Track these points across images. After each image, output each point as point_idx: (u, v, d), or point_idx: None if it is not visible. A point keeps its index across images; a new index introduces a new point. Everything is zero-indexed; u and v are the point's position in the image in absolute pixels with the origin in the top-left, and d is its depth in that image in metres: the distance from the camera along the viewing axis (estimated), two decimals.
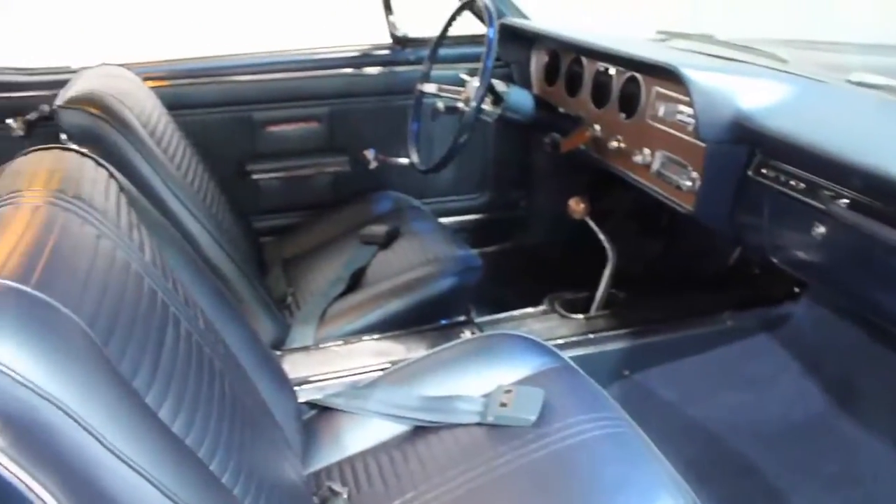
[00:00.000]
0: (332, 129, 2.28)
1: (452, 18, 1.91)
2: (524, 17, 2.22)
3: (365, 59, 2.27)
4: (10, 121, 1.96)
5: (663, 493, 1.09)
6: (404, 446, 1.23)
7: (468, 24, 2.02)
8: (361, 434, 1.29)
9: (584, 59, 1.94)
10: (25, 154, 1.00)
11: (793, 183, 1.28)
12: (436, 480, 1.14)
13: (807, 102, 1.43)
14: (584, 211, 1.91)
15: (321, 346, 1.68)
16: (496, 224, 2.53)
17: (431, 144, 2.16)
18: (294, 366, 1.58)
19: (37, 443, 0.63)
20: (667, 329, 1.95)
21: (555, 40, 2.04)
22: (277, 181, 2.29)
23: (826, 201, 1.20)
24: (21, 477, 0.61)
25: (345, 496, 1.14)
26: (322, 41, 2.32)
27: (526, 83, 2.22)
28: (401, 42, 2.30)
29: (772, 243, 1.42)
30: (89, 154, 1.05)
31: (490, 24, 1.68)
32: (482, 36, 1.70)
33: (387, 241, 1.96)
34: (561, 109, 1.96)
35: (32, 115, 1.97)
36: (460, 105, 1.77)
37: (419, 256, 1.86)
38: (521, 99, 1.82)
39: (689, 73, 1.42)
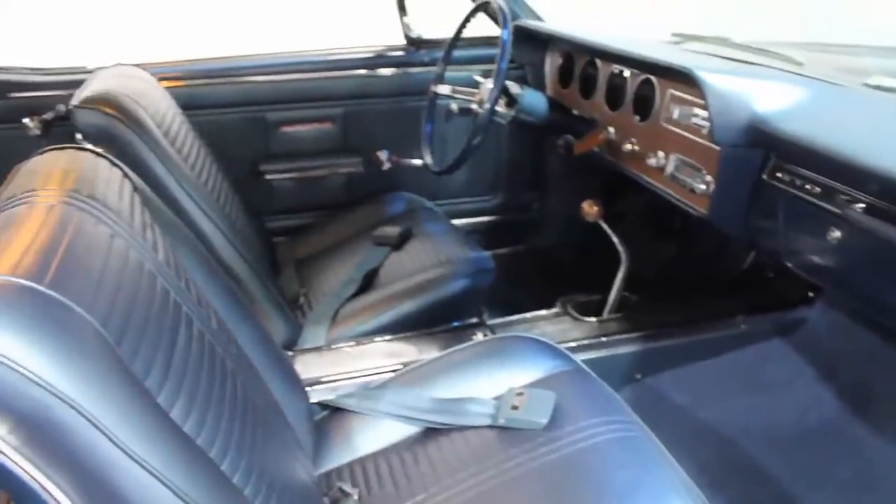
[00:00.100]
0: (345, 129, 2.28)
1: (467, 20, 1.90)
2: (538, 18, 2.21)
3: (379, 60, 2.28)
4: (26, 120, 1.98)
5: (675, 498, 1.09)
6: (415, 448, 1.23)
7: (482, 26, 2.01)
8: (372, 435, 1.29)
9: (598, 62, 1.93)
10: (41, 153, 1.01)
11: (808, 187, 1.27)
12: (446, 482, 1.14)
13: (823, 106, 1.42)
14: (598, 213, 1.90)
15: (333, 346, 1.69)
16: (509, 226, 2.53)
17: (445, 146, 2.17)
18: (306, 366, 1.59)
19: (50, 441, 0.63)
20: (680, 333, 1.94)
21: (569, 42, 2.03)
22: (291, 182, 2.29)
23: (842, 206, 1.19)
24: (34, 475, 0.62)
25: (355, 497, 1.15)
26: (337, 42, 2.33)
27: (540, 85, 2.21)
28: (415, 43, 2.30)
29: (786, 247, 1.41)
30: (104, 154, 1.05)
31: (504, 25, 1.67)
32: (496, 38, 1.70)
33: (400, 243, 1.96)
34: (575, 112, 1.96)
35: (49, 115, 1.99)
36: (474, 107, 1.77)
37: (432, 258, 1.86)
38: (534, 101, 1.81)
39: (704, 75, 1.41)
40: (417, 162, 2.04)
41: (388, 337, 1.72)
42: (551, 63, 2.21)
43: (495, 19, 2.02)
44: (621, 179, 1.86)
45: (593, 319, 1.98)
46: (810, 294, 2.01)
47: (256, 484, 0.88)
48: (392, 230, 1.98)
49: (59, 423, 0.64)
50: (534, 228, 2.55)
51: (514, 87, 1.76)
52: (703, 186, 1.48)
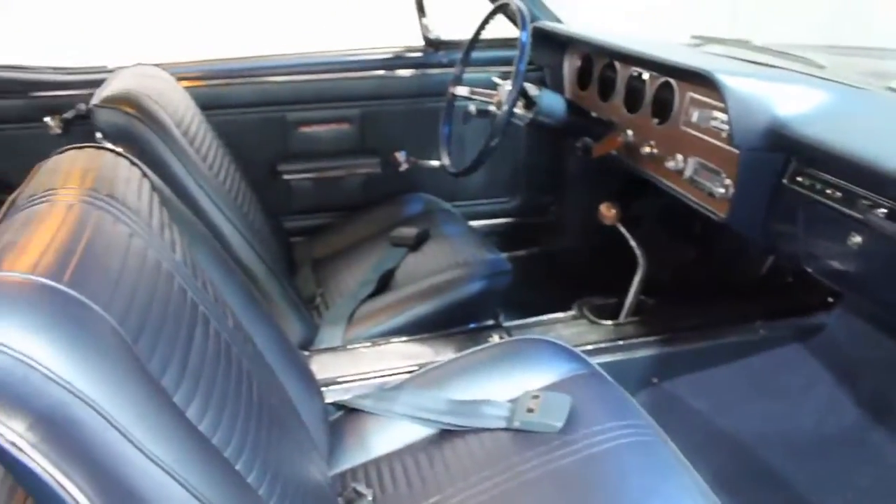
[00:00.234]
0: (363, 130, 2.29)
1: (485, 21, 1.90)
2: (557, 20, 2.21)
3: (397, 61, 2.28)
4: (47, 119, 2.00)
5: None
6: (430, 449, 1.23)
7: (501, 28, 2.01)
8: (387, 436, 1.29)
9: (617, 64, 1.92)
10: (61, 152, 1.01)
11: (829, 191, 1.26)
12: (461, 485, 1.13)
13: (845, 110, 1.41)
14: (616, 216, 1.89)
15: (349, 347, 1.69)
16: (526, 228, 2.53)
17: (463, 147, 2.16)
18: (322, 366, 1.59)
19: (67, 439, 0.64)
20: (697, 337, 1.93)
21: (588, 44, 2.03)
22: (308, 182, 2.30)
23: (863, 210, 1.18)
24: (51, 471, 0.62)
25: (369, 498, 1.15)
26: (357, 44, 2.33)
27: (558, 87, 2.21)
28: (433, 44, 2.30)
29: (806, 252, 1.40)
30: (123, 153, 1.06)
31: (523, 27, 1.67)
32: (515, 39, 1.69)
33: (416, 244, 1.96)
34: (593, 114, 1.95)
35: (69, 114, 2.01)
36: (492, 108, 1.77)
37: (449, 259, 1.86)
38: (553, 103, 1.81)
39: (724, 78, 1.40)
40: (435, 163, 2.04)
41: (404, 338, 1.72)
42: (570, 65, 2.20)
43: (514, 21, 2.02)
44: (639, 182, 1.85)
45: (610, 323, 1.97)
46: (830, 299, 2.00)
47: (271, 484, 0.88)
48: (409, 231, 1.98)
49: (76, 421, 0.64)
50: (551, 231, 2.54)
51: (532, 89, 1.76)
52: (722, 190, 1.47)
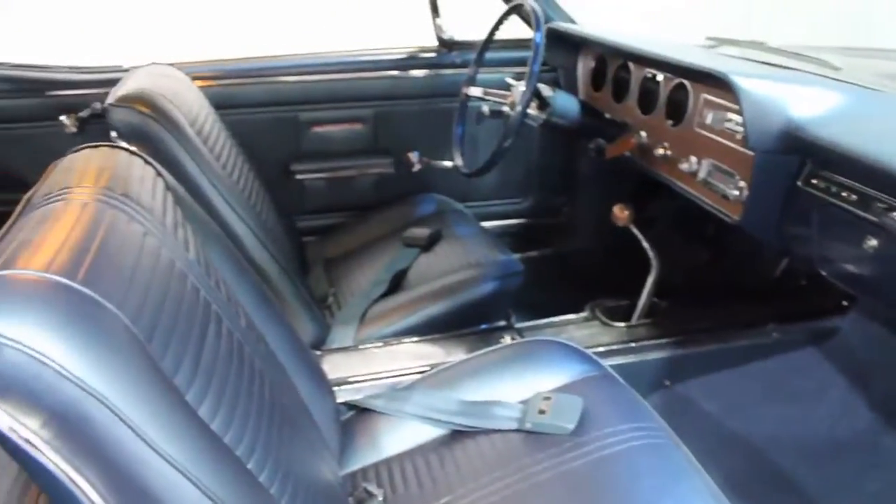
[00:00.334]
0: (376, 130, 2.29)
1: (499, 22, 1.90)
2: (571, 21, 2.20)
3: (410, 61, 2.28)
4: (63, 118, 2.02)
5: None
6: (441, 450, 1.23)
7: (515, 28, 2.01)
8: (399, 436, 1.29)
9: (631, 65, 1.92)
10: (76, 151, 1.02)
11: (844, 194, 1.25)
12: (471, 485, 1.13)
13: (861, 112, 1.40)
14: (629, 218, 1.89)
15: (361, 347, 1.69)
16: (539, 229, 2.52)
17: (476, 148, 2.16)
18: (333, 366, 1.59)
19: (80, 436, 0.64)
20: (710, 340, 1.92)
21: (602, 45, 2.02)
22: (321, 182, 2.30)
23: (879, 213, 1.17)
24: (64, 469, 0.63)
25: (380, 498, 1.15)
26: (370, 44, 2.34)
27: (572, 88, 2.20)
28: (447, 45, 2.30)
29: (821, 255, 1.39)
30: (138, 152, 1.06)
31: (537, 28, 1.67)
32: (529, 40, 1.69)
33: (429, 244, 1.96)
34: (607, 115, 1.94)
35: (85, 113, 2.02)
36: (505, 109, 1.77)
37: (461, 260, 1.86)
38: (566, 104, 1.80)
39: (739, 80, 1.40)
40: (448, 164, 2.04)
41: (415, 338, 1.73)
42: (584, 66, 2.20)
43: (528, 22, 2.02)
44: (652, 184, 1.85)
45: (622, 325, 1.97)
46: (844, 303, 1.98)
47: (282, 483, 0.89)
48: (421, 232, 1.98)
49: (89, 418, 0.64)
50: (563, 232, 2.54)
51: (546, 90, 1.75)
52: (736, 192, 1.47)
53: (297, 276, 1.77)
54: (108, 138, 1.42)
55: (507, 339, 1.74)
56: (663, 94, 1.76)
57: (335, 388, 1.40)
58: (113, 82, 1.66)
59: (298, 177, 2.27)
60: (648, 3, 4.52)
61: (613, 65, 2.02)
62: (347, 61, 2.26)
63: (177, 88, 1.66)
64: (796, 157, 1.37)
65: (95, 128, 2.00)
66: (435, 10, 2.28)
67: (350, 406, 1.40)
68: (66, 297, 0.67)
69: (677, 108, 1.69)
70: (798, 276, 2.11)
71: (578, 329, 1.97)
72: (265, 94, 2.18)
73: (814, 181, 1.33)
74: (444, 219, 2.10)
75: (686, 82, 1.67)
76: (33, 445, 0.62)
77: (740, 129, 1.44)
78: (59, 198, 0.84)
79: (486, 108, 1.83)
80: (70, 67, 2.09)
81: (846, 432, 1.79)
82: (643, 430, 1.19)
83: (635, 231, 1.93)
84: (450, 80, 2.23)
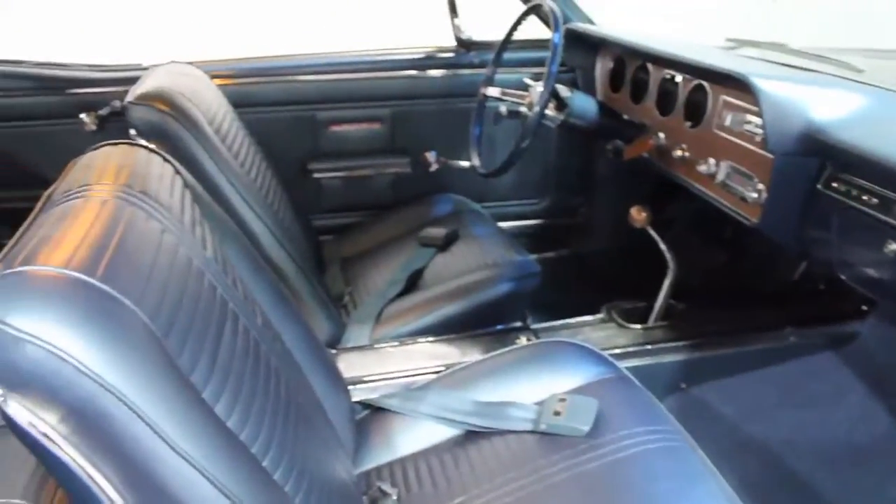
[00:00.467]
0: (393, 130, 2.29)
1: (518, 22, 1.89)
2: (590, 22, 2.20)
3: (428, 61, 2.28)
4: (83, 115, 2.03)
5: None
6: (455, 450, 1.23)
7: (533, 29, 2.00)
8: (413, 436, 1.29)
9: (649, 66, 1.91)
10: (95, 148, 1.03)
11: (865, 198, 1.24)
12: (486, 486, 1.13)
13: (883, 114, 1.38)
14: (646, 220, 1.88)
15: (376, 346, 1.69)
16: (556, 230, 2.52)
17: (493, 148, 2.16)
18: (349, 365, 1.59)
19: (97, 432, 0.65)
20: (727, 343, 1.91)
21: (621, 46, 2.01)
22: (338, 181, 2.31)
23: None
24: (81, 464, 0.63)
25: (394, 497, 1.15)
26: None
27: (590, 89, 2.20)
28: (465, 45, 2.30)
29: (840, 259, 1.38)
30: (157, 150, 1.07)
31: (556, 28, 1.66)
32: (547, 40, 1.69)
33: (445, 244, 1.96)
34: (625, 116, 1.94)
35: (104, 111, 2.04)
36: (523, 109, 1.76)
37: (477, 260, 1.86)
38: (584, 105, 1.80)
39: (758, 82, 1.39)
40: (465, 164, 2.04)
41: (431, 338, 1.73)
42: (602, 67, 2.19)
43: (547, 22, 2.01)
44: (670, 186, 1.84)
45: (638, 327, 1.96)
46: (863, 307, 1.96)
47: (297, 481, 0.89)
48: (438, 231, 1.98)
49: (107, 415, 0.65)
50: (580, 233, 2.53)
51: (564, 91, 1.75)
52: (754, 195, 1.46)
53: (314, 275, 1.77)
54: (128, 136, 1.43)
55: (522, 340, 1.73)
56: (682, 95, 1.75)
57: (350, 387, 1.40)
58: (132, 80, 1.67)
59: (316, 176, 2.28)
60: (672, 5, 4.51)
61: (632, 66, 2.01)
62: (365, 61, 2.26)
63: (196, 87, 1.67)
64: (816, 160, 1.36)
65: (115, 126, 2.02)
66: (453, 10, 2.28)
67: (365, 405, 1.40)
68: (85, 294, 0.68)
69: (696, 110, 1.68)
70: (816, 279, 2.09)
71: (594, 331, 1.96)
72: (283, 93, 2.19)
73: (834, 184, 1.32)
74: (461, 219, 2.10)
75: (705, 83, 1.66)
76: (51, 440, 0.62)
77: (760, 131, 1.43)
78: (79, 195, 0.84)
79: (503, 109, 1.83)
80: (90, 66, 2.11)
81: (865, 437, 1.77)
82: (659, 432, 1.19)
83: (652, 233, 1.92)
84: (468, 80, 2.23)
